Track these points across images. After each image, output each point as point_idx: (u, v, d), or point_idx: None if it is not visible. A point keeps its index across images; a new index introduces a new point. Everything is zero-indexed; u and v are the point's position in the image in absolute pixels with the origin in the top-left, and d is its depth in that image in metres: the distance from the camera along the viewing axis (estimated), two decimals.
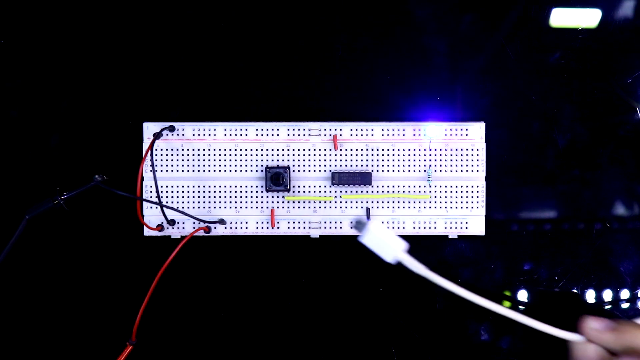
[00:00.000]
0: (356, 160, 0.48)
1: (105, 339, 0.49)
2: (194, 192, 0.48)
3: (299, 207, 0.48)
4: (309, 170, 0.48)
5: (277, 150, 0.48)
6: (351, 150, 0.48)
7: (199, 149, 0.48)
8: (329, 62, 0.49)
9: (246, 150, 0.48)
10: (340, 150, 0.48)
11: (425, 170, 0.48)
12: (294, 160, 0.48)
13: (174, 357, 0.49)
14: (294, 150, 0.48)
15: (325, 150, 0.48)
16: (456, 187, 0.48)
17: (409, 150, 0.48)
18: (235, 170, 0.48)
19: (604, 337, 0.35)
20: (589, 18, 0.49)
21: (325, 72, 0.49)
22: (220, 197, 0.48)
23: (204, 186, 0.48)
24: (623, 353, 0.34)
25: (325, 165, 0.48)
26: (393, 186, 0.48)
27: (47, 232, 0.49)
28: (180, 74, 0.49)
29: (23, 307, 0.49)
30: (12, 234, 0.44)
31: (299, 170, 0.48)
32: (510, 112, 0.49)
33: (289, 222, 0.48)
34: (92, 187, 0.44)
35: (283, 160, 0.48)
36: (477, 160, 0.48)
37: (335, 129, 0.48)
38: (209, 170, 0.48)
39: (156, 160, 0.48)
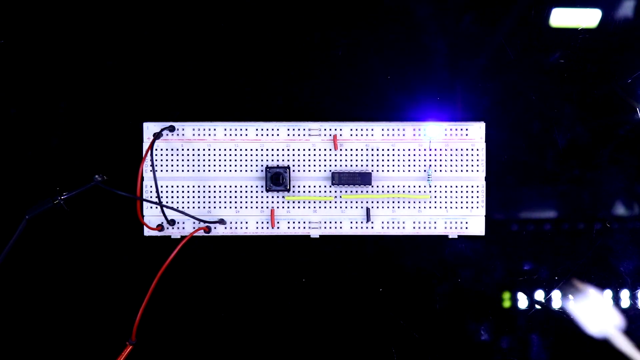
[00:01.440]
0: (356, 160, 0.48)
1: (105, 339, 0.49)
2: (194, 192, 0.48)
3: (299, 207, 0.48)
4: (309, 170, 0.48)
5: (277, 150, 0.48)
6: (351, 150, 0.48)
7: (199, 149, 0.48)
8: (329, 62, 0.49)
9: (246, 150, 0.48)
10: (340, 150, 0.48)
11: (425, 170, 0.48)
12: (294, 160, 0.48)
13: (174, 357, 0.49)
14: (294, 150, 0.48)
15: (325, 150, 0.48)
16: (456, 187, 0.48)
17: (409, 150, 0.48)
18: (235, 170, 0.48)
19: None
20: (589, 18, 0.49)
21: (325, 72, 0.49)
22: (220, 197, 0.48)
23: (204, 186, 0.48)
24: None
25: (325, 165, 0.48)
26: (393, 186, 0.48)
27: (47, 232, 0.49)
28: (180, 74, 0.49)
29: (23, 307, 0.49)
30: (12, 234, 0.44)
31: (299, 170, 0.48)
32: (510, 112, 0.49)
33: (289, 222, 0.48)
34: (92, 187, 0.44)
35: (283, 160, 0.48)
36: (477, 160, 0.48)
37: (335, 129, 0.48)
38: (209, 170, 0.48)
39: (156, 160, 0.48)
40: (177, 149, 0.48)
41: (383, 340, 0.49)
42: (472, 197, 0.48)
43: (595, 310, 0.33)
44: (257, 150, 0.48)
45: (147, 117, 0.48)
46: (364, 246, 0.50)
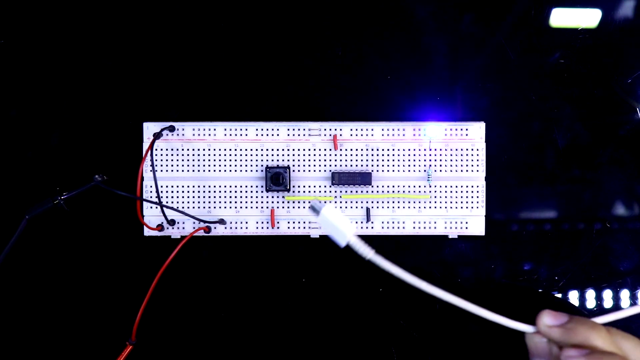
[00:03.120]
0: (356, 160, 0.48)
1: (105, 339, 0.49)
2: (194, 192, 0.48)
3: (299, 207, 0.48)
4: (309, 170, 0.48)
5: (277, 150, 0.48)
6: (351, 150, 0.48)
7: (199, 149, 0.48)
8: (329, 62, 0.49)
9: (246, 150, 0.48)
10: (340, 150, 0.48)
11: (425, 170, 0.48)
12: (294, 160, 0.48)
13: (174, 357, 0.49)
14: (294, 150, 0.48)
15: (325, 150, 0.48)
16: (456, 187, 0.48)
17: (409, 150, 0.48)
18: (235, 170, 0.48)
19: (554, 332, 0.35)
20: (589, 18, 0.49)
21: (325, 72, 0.49)
22: (220, 197, 0.48)
23: (204, 186, 0.48)
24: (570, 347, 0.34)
25: (325, 165, 0.48)
26: (393, 186, 0.48)
27: (47, 232, 0.49)
28: (180, 74, 0.49)
29: (23, 307, 0.49)
30: (12, 234, 0.44)
31: (299, 170, 0.48)
32: (510, 112, 0.49)
33: (289, 222, 0.48)
34: (92, 187, 0.44)
35: (283, 160, 0.48)
36: (477, 160, 0.48)
37: (335, 129, 0.48)
38: (209, 170, 0.48)
39: (156, 160, 0.48)
40: (177, 149, 0.48)
41: (383, 340, 0.49)
42: (472, 197, 0.48)
43: (335, 223, 0.36)
44: (257, 150, 0.48)
45: (147, 117, 0.48)
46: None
